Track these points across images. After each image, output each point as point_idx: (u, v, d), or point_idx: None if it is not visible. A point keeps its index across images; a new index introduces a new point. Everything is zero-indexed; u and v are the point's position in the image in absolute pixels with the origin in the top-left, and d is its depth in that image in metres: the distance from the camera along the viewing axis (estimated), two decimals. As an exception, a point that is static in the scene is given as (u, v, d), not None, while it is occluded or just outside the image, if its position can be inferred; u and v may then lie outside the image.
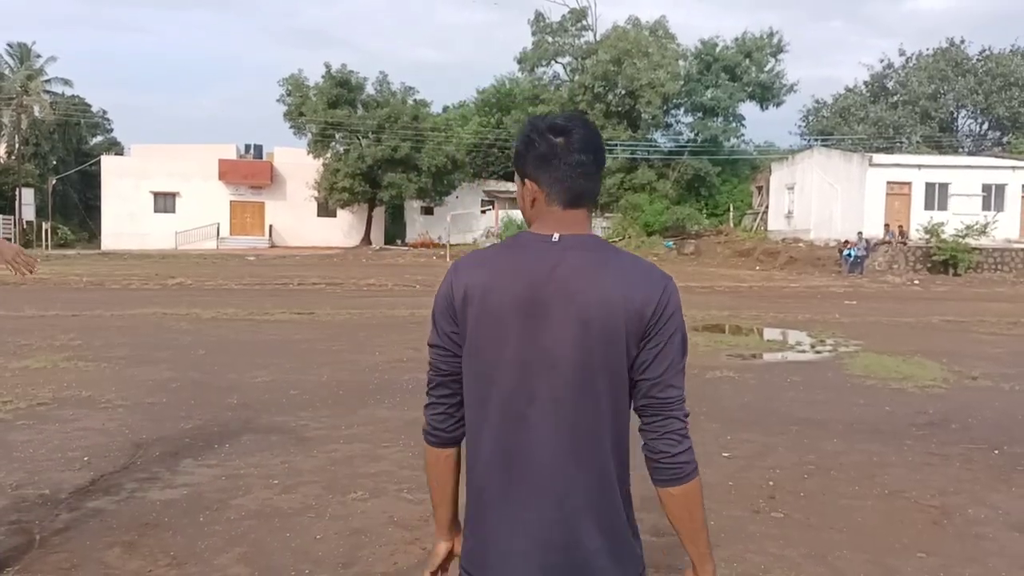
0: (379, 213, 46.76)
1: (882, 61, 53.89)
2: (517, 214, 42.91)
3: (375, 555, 3.78)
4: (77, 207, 49.94)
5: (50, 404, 6.74)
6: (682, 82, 44.84)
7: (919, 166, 34.48)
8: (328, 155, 43.30)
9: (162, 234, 44.07)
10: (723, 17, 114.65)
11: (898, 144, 46.45)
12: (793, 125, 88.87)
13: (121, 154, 50.45)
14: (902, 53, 54.02)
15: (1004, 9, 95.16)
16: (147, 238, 43.38)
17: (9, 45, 49.92)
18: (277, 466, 5.14)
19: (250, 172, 46.41)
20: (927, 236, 31.20)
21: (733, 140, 49.64)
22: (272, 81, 63.16)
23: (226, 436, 5.82)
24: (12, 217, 42.81)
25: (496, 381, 1.58)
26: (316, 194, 44.46)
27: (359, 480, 4.88)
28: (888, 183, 33.84)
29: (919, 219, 32.60)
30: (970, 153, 43.73)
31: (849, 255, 30.69)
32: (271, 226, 46.57)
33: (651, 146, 46.78)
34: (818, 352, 10.81)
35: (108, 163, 46.26)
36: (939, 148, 44.69)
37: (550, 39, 46.76)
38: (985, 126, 50.79)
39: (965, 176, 33.87)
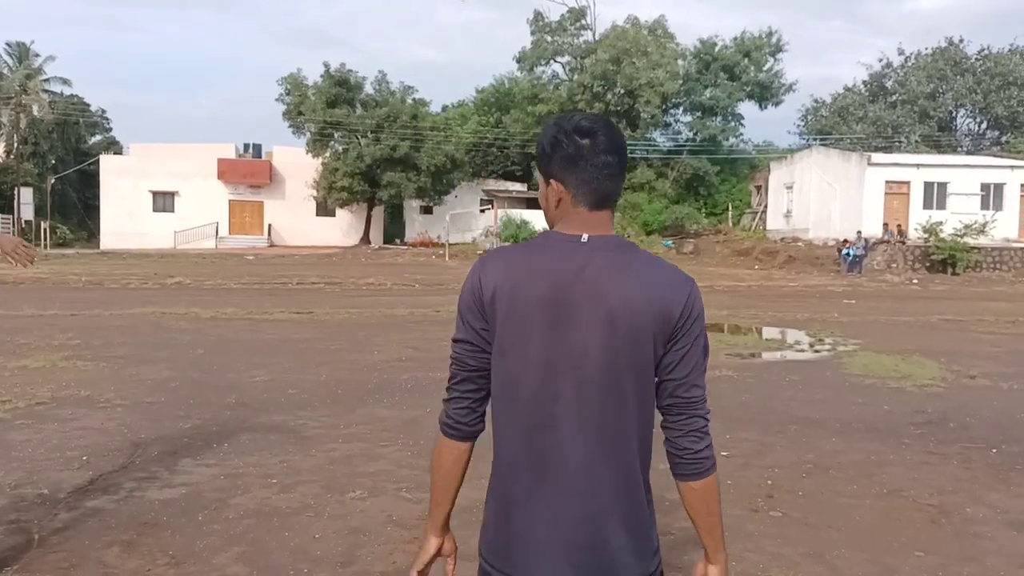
0: (378, 212, 46.76)
1: (881, 60, 54.04)
2: (516, 213, 42.96)
3: (374, 554, 3.79)
4: (76, 206, 49.94)
5: (49, 403, 6.74)
6: (681, 81, 44.91)
7: (918, 165, 34.50)
8: (327, 154, 43.30)
9: (161, 233, 44.06)
10: (722, 16, 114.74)
11: (897, 143, 46.48)
12: (792, 124, 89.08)
13: (120, 153, 50.45)
14: (901, 52, 54.18)
15: (1003, 8, 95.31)
16: (146, 237, 43.37)
17: (8, 44, 49.93)
18: (276, 465, 5.14)
19: (249, 171, 46.40)
20: (926, 235, 31.23)
21: (732, 139, 49.74)
22: (272, 81, 63.09)
23: (225, 435, 5.82)
24: (11, 216, 42.83)
25: (523, 380, 1.60)
26: (315, 193, 44.46)
27: (358, 479, 4.88)
28: (887, 182, 33.86)
29: (918, 218, 32.64)
30: (969, 152, 43.75)
31: (848, 254, 30.71)
32: (270, 225, 46.57)
33: (650, 145, 46.83)
34: (817, 351, 10.82)
35: (107, 162, 46.25)
36: (938, 147, 44.73)
37: (549, 38, 46.78)
38: (984, 125, 50.83)
39: (964, 175, 33.89)
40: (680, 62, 46.12)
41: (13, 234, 39.91)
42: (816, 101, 55.07)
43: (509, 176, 51.11)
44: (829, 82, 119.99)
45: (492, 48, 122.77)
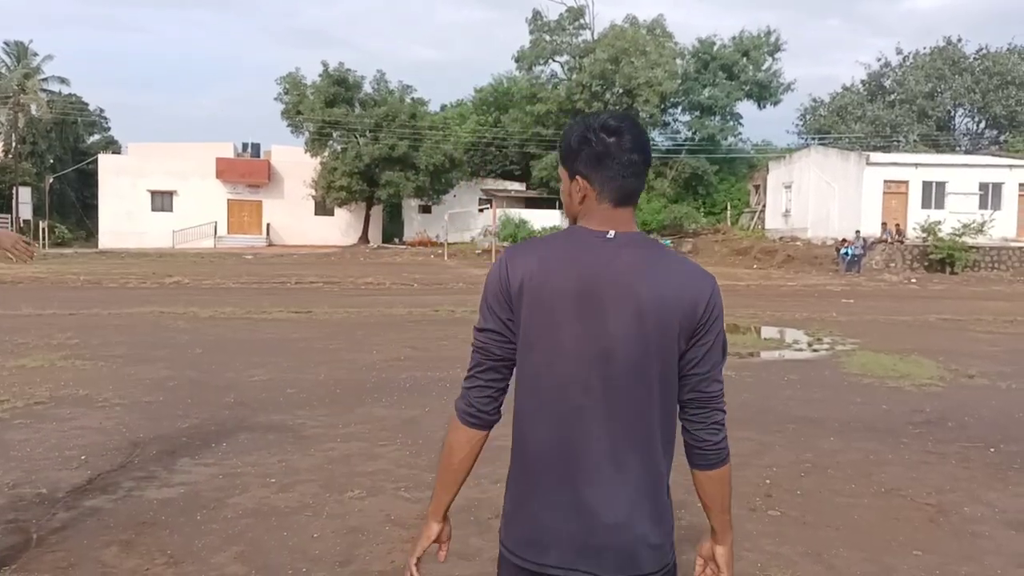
0: (377, 212, 46.74)
1: (879, 60, 54.03)
2: (514, 212, 42.93)
3: (372, 553, 3.79)
4: (74, 206, 49.91)
5: (47, 403, 6.73)
6: (680, 81, 44.86)
7: (916, 165, 34.52)
8: (326, 153, 43.29)
9: (159, 233, 44.03)
10: (721, 16, 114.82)
11: (895, 143, 46.50)
12: (790, 124, 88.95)
13: (118, 153, 50.38)
14: (899, 52, 54.23)
15: (1001, 8, 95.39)
16: (144, 237, 43.33)
17: (6, 43, 49.86)
18: (274, 465, 5.14)
19: (248, 171, 46.38)
20: (924, 235, 31.25)
21: (730, 139, 49.71)
22: (271, 81, 63.02)
23: (223, 435, 5.81)
24: (9, 216, 42.77)
25: (552, 370, 1.63)
26: (314, 193, 44.45)
27: (356, 478, 4.88)
28: (885, 182, 33.88)
29: (916, 218, 32.66)
30: (967, 152, 43.76)
31: (846, 254, 30.73)
32: (269, 225, 46.55)
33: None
34: (815, 350, 10.83)
35: (105, 162, 46.20)
36: (936, 147, 44.75)
37: (548, 38, 46.74)
38: (982, 125, 50.85)
39: (962, 175, 33.91)
40: (679, 61, 46.09)
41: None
42: (815, 100, 55.13)
43: (508, 175, 51.12)
44: (828, 81, 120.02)
45: (491, 48, 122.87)
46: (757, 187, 46.20)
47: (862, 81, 53.95)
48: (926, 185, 33.86)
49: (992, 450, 5.82)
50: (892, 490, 4.88)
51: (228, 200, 46.30)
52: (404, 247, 43.84)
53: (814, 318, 14.67)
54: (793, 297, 19.91)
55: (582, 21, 47.11)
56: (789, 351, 10.92)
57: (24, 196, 43.46)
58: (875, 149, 40.49)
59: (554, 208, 45.71)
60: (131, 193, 44.60)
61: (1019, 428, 6.52)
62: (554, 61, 47.91)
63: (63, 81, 50.96)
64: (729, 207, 46.12)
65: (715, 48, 48.37)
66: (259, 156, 48.01)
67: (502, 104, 52.05)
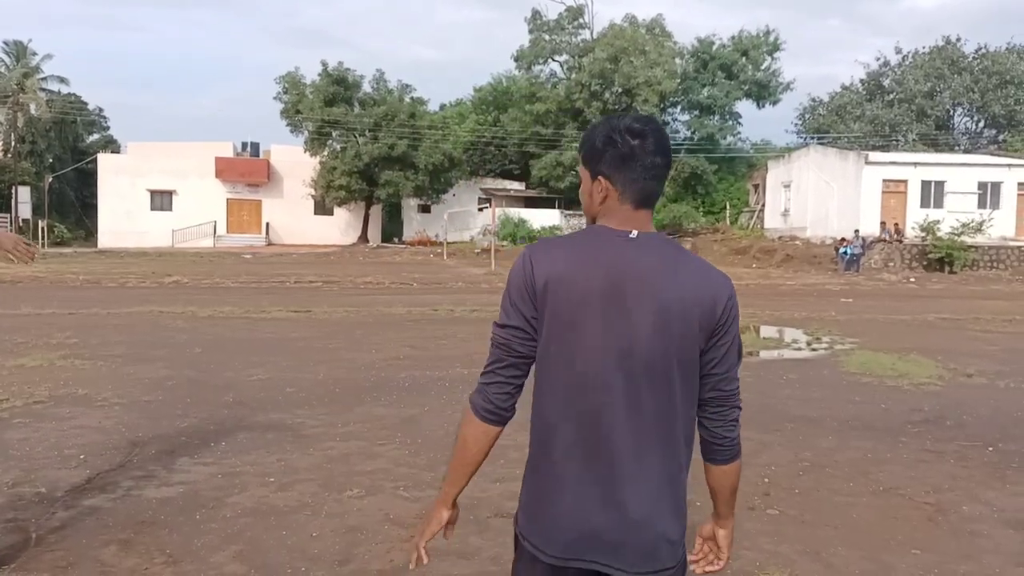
0: (376, 211, 46.74)
1: (878, 59, 54.05)
2: (514, 212, 42.94)
3: (371, 552, 3.79)
4: (73, 205, 49.89)
5: (46, 402, 6.73)
6: (679, 80, 44.89)
7: (915, 164, 34.54)
8: (325, 153, 43.28)
9: (159, 232, 44.03)
10: (720, 15, 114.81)
11: (894, 142, 46.52)
12: (789, 123, 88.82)
13: (118, 152, 50.37)
14: (898, 51, 54.31)
15: (1000, 7, 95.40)
16: (144, 236, 43.33)
17: (5, 43, 49.89)
18: (273, 464, 5.14)
19: (247, 170, 46.37)
20: (923, 234, 31.27)
21: (729, 138, 49.75)
22: (271, 81, 63.00)
23: (222, 434, 5.82)
24: (8, 215, 42.75)
25: (576, 367, 1.65)
26: (313, 192, 44.45)
27: (355, 478, 4.88)
28: (884, 181, 33.90)
29: (915, 217, 32.68)
30: (966, 151, 43.77)
31: (845, 253, 30.74)
32: (268, 224, 46.54)
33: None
34: (814, 350, 10.83)
35: (104, 161, 46.20)
36: (935, 146, 44.77)
37: (547, 37, 46.76)
38: (981, 124, 50.87)
39: (961, 174, 33.93)
40: (678, 61, 46.13)
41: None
42: (813, 100, 55.16)
43: (507, 175, 51.13)
44: (826, 81, 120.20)
45: (490, 47, 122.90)
46: (756, 186, 46.22)
47: (861, 80, 54.01)
48: (925, 184, 33.87)
49: (990, 449, 5.82)
50: (890, 489, 4.88)
51: (227, 199, 46.30)
52: (403, 246, 43.83)
53: (813, 317, 14.68)
54: (792, 296, 19.92)
55: (581, 20, 47.15)
56: (788, 350, 10.92)
57: (23, 195, 43.44)
58: (874, 148, 40.51)
59: (553, 207, 45.74)
60: (130, 192, 44.60)
61: (1017, 427, 6.52)
62: (553, 60, 47.97)
63: (62, 80, 51.06)
64: (728, 206, 46.14)
65: (714, 47, 48.40)
66: (258, 155, 48.01)
67: (501, 103, 52.07)
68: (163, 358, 9.03)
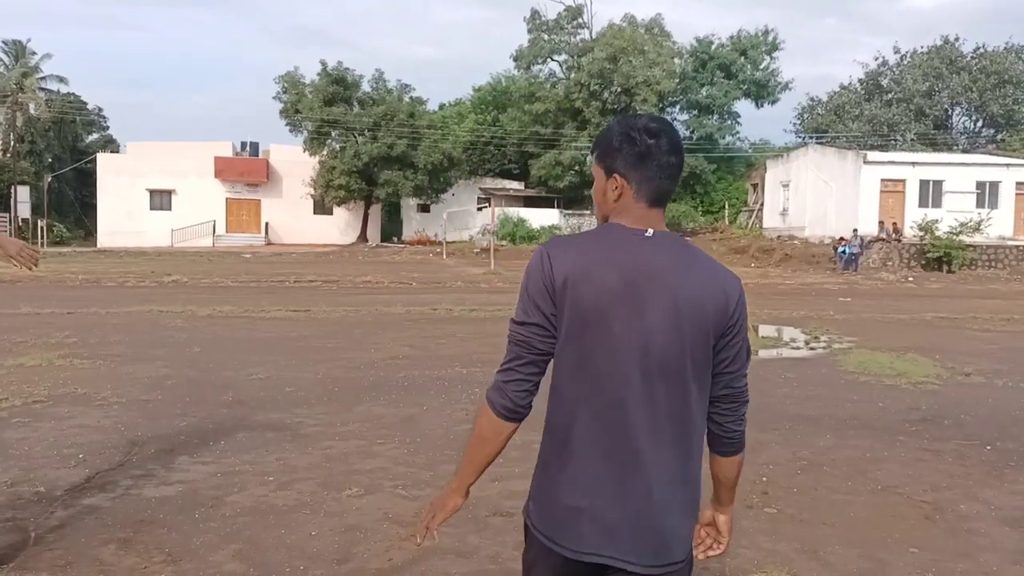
0: (375, 211, 46.73)
1: (877, 59, 54.00)
2: (513, 211, 42.92)
3: (370, 551, 3.79)
4: (73, 205, 49.87)
5: (45, 401, 6.73)
6: (677, 80, 44.91)
7: (913, 163, 34.57)
8: (324, 152, 43.27)
9: (158, 231, 44.01)
10: (719, 15, 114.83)
11: (892, 142, 46.53)
12: (788, 123, 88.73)
13: (117, 151, 50.36)
14: (897, 51, 54.07)
15: (999, 7, 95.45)
16: (143, 236, 43.31)
17: (4, 42, 49.87)
18: (272, 463, 5.14)
19: (246, 169, 46.36)
20: (921, 233, 31.29)
21: (728, 138, 49.79)
22: (270, 80, 62.98)
23: (221, 433, 5.82)
24: (8, 215, 42.72)
25: (593, 364, 1.67)
26: (312, 191, 44.43)
27: (354, 477, 4.89)
28: (882, 180, 33.92)
29: (913, 216, 32.70)
30: (964, 151, 43.80)
31: (844, 252, 30.76)
32: (267, 223, 46.52)
33: (647, 143, 46.74)
34: (812, 348, 10.84)
35: (104, 161, 46.18)
36: (933, 146, 44.76)
37: (546, 37, 46.76)
38: (979, 123, 50.88)
39: (959, 173, 33.96)
40: (677, 60, 46.13)
41: (10, 233, 39.90)
42: (812, 99, 55.14)
43: (506, 174, 51.12)
44: (825, 80, 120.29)
45: (489, 47, 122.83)
46: (755, 186, 46.23)
47: (859, 80, 53.97)
48: (923, 184, 33.90)
49: (988, 448, 5.83)
50: (888, 487, 4.89)
51: (227, 199, 46.28)
52: (403, 246, 43.82)
53: (811, 316, 14.69)
54: (790, 295, 19.93)
55: (580, 20, 47.15)
56: (786, 349, 10.93)
57: (22, 195, 43.41)
58: (872, 148, 40.54)
59: (552, 207, 45.74)
60: (130, 192, 44.57)
61: (1015, 426, 6.53)
62: (552, 60, 47.97)
63: (62, 80, 51.02)
64: (727, 206, 46.16)
65: (713, 47, 48.41)
66: (258, 155, 48.00)
67: (500, 103, 52.06)
68: (162, 357, 9.03)
